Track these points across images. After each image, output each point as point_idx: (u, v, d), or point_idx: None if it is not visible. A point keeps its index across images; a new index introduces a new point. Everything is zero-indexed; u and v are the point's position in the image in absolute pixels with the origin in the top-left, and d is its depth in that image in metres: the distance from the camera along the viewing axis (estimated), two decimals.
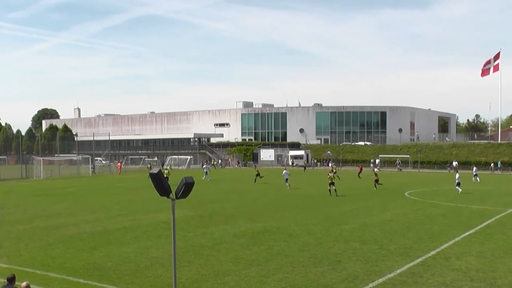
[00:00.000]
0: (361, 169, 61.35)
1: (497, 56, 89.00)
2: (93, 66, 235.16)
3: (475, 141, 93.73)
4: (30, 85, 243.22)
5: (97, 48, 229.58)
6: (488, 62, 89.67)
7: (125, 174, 70.12)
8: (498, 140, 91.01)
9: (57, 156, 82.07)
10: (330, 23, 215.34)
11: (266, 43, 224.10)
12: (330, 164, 78.24)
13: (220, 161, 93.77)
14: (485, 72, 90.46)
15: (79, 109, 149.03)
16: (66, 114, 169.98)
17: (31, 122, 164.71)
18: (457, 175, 41.04)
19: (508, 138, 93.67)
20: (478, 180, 51.70)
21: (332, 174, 39.63)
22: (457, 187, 39.44)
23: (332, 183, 38.01)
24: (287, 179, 45.38)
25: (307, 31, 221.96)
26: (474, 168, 56.05)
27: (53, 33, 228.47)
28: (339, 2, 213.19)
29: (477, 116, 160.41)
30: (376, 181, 43.29)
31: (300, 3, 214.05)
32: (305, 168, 78.05)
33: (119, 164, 76.46)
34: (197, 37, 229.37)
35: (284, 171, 47.20)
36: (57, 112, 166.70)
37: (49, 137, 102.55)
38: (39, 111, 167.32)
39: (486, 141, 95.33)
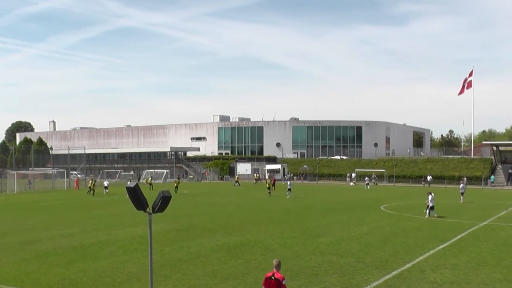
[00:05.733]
0: (274, 181, 62.40)
1: (470, 74, 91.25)
2: (68, 78, 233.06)
3: (449, 156, 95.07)
4: (4, 97, 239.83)
5: (73, 60, 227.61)
6: (465, 80, 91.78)
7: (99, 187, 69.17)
8: (471, 155, 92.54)
9: (31, 170, 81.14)
10: (307, 37, 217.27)
11: (243, 57, 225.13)
12: (267, 175, 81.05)
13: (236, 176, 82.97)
14: (462, 90, 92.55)
15: (54, 122, 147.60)
16: (40, 127, 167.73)
17: (4, 135, 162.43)
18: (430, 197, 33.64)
19: (480, 153, 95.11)
20: (369, 187, 66.90)
21: (269, 180, 56.51)
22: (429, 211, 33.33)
23: (268, 187, 53.56)
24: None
25: (284, 45, 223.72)
26: (366, 178, 71.25)
27: (28, 44, 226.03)
28: (316, 16, 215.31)
29: (451, 131, 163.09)
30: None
31: (277, 17, 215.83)
32: (256, 181, 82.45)
33: (76, 179, 71.63)
34: (174, 50, 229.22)
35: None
36: (31, 125, 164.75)
37: (23, 150, 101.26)
38: (13, 124, 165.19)
39: (459, 156, 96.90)
